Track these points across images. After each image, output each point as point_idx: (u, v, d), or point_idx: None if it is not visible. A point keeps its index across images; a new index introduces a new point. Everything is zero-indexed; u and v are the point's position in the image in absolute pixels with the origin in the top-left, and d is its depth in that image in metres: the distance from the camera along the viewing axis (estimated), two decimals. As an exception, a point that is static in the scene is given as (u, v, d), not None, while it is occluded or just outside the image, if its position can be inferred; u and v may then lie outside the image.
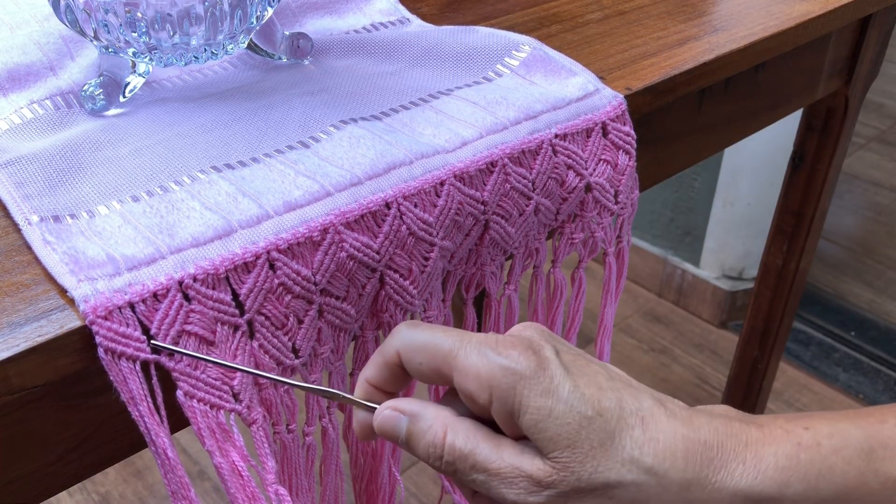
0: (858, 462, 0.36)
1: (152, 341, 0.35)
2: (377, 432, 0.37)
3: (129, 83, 0.49)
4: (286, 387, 0.41)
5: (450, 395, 0.38)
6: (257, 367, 0.39)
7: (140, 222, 0.39)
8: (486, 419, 0.36)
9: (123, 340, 0.34)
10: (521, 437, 0.36)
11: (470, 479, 0.35)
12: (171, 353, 0.36)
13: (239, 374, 0.37)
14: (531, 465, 0.34)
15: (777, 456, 0.36)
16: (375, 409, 0.37)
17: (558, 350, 0.36)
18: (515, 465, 0.35)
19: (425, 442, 0.36)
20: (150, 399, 0.35)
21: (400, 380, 0.38)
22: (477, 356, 0.35)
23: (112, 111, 0.49)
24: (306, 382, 0.42)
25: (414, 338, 0.36)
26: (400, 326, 0.37)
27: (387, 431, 0.37)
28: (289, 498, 0.37)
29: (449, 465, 0.35)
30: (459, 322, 0.54)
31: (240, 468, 0.37)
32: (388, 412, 0.37)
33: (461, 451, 0.35)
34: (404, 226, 0.43)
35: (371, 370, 0.38)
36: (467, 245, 0.48)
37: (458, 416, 0.36)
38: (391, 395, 0.38)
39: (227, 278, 0.37)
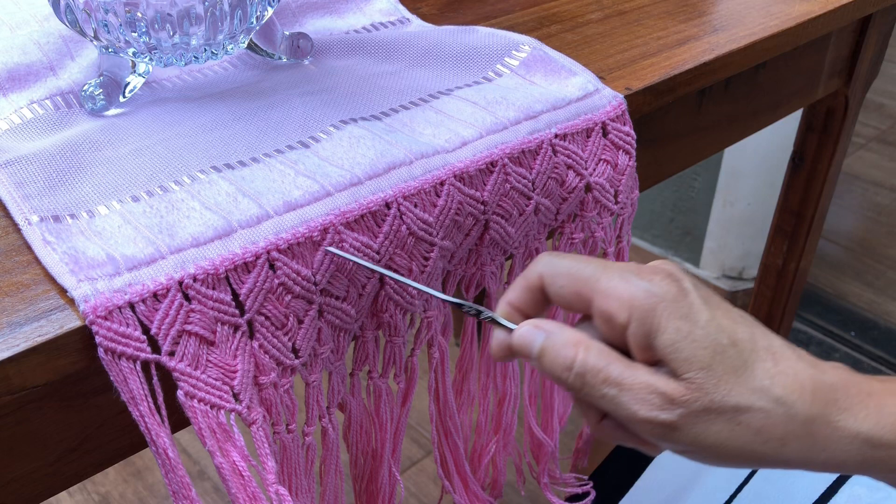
0: None
1: (326, 247, 0.39)
2: (514, 347, 0.39)
3: (129, 83, 0.49)
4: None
5: (582, 323, 0.39)
6: (257, 367, 0.39)
7: (140, 222, 0.39)
8: (618, 348, 0.37)
9: (123, 340, 0.34)
10: (653, 364, 0.36)
11: (599, 395, 0.36)
12: (171, 353, 0.36)
13: (239, 373, 0.37)
14: (665, 383, 0.35)
15: None
16: (513, 329, 0.39)
17: (696, 285, 0.38)
18: (649, 383, 0.35)
19: (557, 355, 0.37)
20: (150, 399, 0.35)
21: (539, 304, 0.40)
22: (619, 279, 0.37)
23: (112, 111, 0.49)
24: (309, 381, 0.42)
25: (557, 263, 0.39)
26: (543, 254, 0.39)
27: (523, 346, 0.38)
28: (289, 498, 0.37)
29: (578, 378, 0.36)
30: (459, 323, 0.54)
31: (241, 468, 0.37)
32: (527, 328, 0.38)
33: (594, 365, 0.36)
34: (404, 226, 0.43)
35: (513, 293, 0.40)
36: (467, 245, 0.48)
37: (592, 338, 0.38)
38: (529, 318, 0.40)
39: (227, 278, 0.37)
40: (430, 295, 0.46)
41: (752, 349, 0.36)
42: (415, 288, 0.41)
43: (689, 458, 0.37)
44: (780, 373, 0.36)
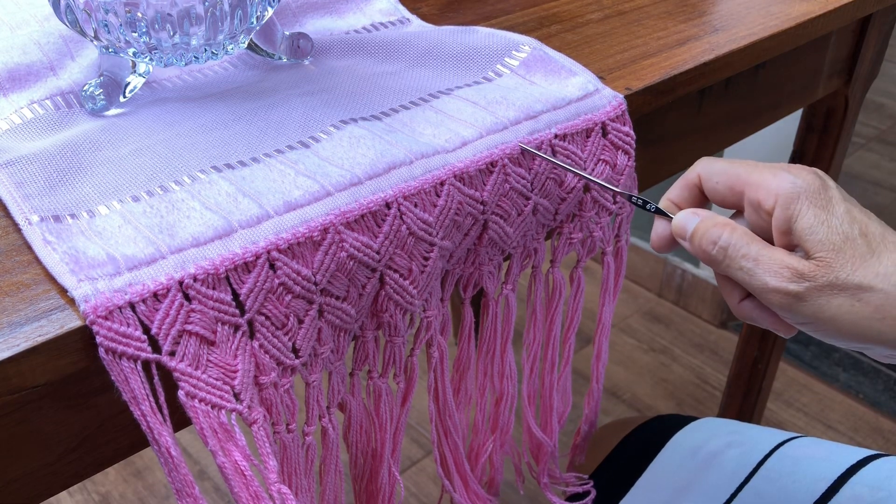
0: None
1: (520, 142, 0.47)
2: (673, 229, 0.46)
3: (129, 83, 0.49)
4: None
5: (733, 217, 0.45)
6: (258, 367, 0.39)
7: (140, 222, 0.39)
8: (762, 238, 0.43)
9: (124, 340, 0.34)
10: (789, 249, 0.42)
11: (738, 267, 0.42)
12: (171, 353, 0.36)
13: (239, 373, 0.37)
14: (797, 262, 0.41)
15: None
16: (671, 218, 0.46)
17: (838, 187, 0.43)
18: (783, 260, 0.41)
19: (707, 232, 0.43)
20: (151, 398, 0.35)
21: (695, 201, 0.47)
22: (769, 173, 0.43)
23: (112, 111, 0.49)
24: (309, 381, 0.42)
25: (714, 163, 0.45)
26: (702, 158, 0.46)
27: (680, 228, 0.45)
28: (292, 497, 0.37)
29: (721, 251, 0.43)
30: (457, 321, 0.54)
31: (243, 468, 0.37)
32: (685, 213, 0.45)
33: (737, 242, 0.42)
34: (404, 226, 0.43)
35: (674, 191, 0.47)
36: (466, 245, 0.48)
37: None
38: None
39: (228, 278, 0.37)
40: (433, 295, 0.46)
41: (881, 241, 0.41)
42: (614, 192, 0.50)
43: (811, 332, 0.42)
44: None
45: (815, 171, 0.42)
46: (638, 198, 0.48)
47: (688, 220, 0.45)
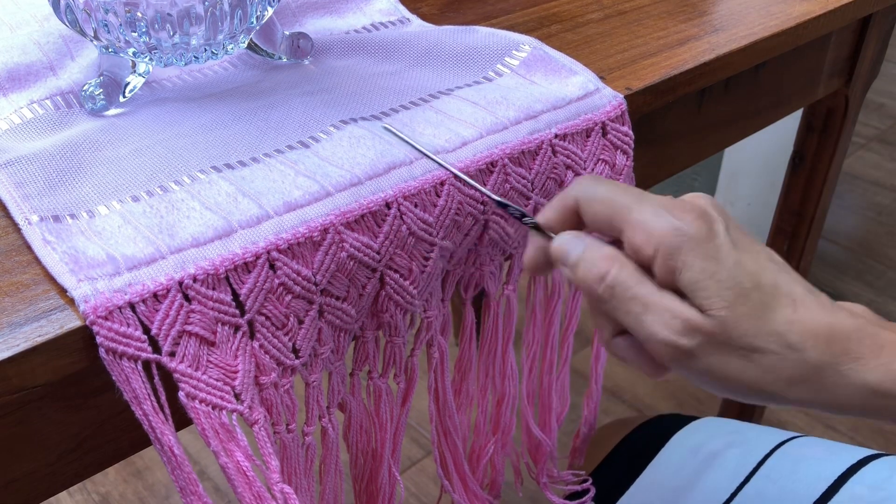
0: None
1: (384, 125, 0.44)
2: (552, 253, 0.40)
3: (129, 83, 0.49)
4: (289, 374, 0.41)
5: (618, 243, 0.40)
6: (258, 367, 0.39)
7: (140, 222, 0.39)
8: (650, 274, 0.38)
9: (124, 340, 0.34)
10: (680, 294, 0.37)
11: (625, 311, 0.37)
12: (171, 353, 0.36)
13: (240, 374, 0.37)
14: (690, 312, 0.36)
15: None
16: (552, 238, 0.40)
17: (728, 225, 0.38)
18: (675, 308, 0.37)
19: (594, 265, 0.38)
20: (153, 398, 0.35)
21: (572, 225, 0.40)
22: (651, 214, 0.37)
23: (112, 111, 0.49)
24: (309, 381, 0.42)
25: (595, 189, 0.39)
26: (583, 178, 0.40)
27: (562, 253, 0.39)
28: (295, 497, 0.37)
29: (608, 290, 0.37)
30: (458, 322, 0.54)
31: (245, 468, 0.37)
32: (569, 236, 0.39)
33: (626, 281, 0.37)
34: (404, 226, 0.43)
35: (548, 212, 0.41)
36: (466, 245, 0.48)
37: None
38: None
39: (228, 278, 0.37)
40: (433, 295, 0.46)
41: (773, 294, 0.37)
42: (469, 185, 0.43)
43: (696, 383, 0.39)
44: (797, 320, 0.37)
45: (703, 211, 0.37)
46: (516, 208, 0.42)
47: (571, 245, 0.39)
